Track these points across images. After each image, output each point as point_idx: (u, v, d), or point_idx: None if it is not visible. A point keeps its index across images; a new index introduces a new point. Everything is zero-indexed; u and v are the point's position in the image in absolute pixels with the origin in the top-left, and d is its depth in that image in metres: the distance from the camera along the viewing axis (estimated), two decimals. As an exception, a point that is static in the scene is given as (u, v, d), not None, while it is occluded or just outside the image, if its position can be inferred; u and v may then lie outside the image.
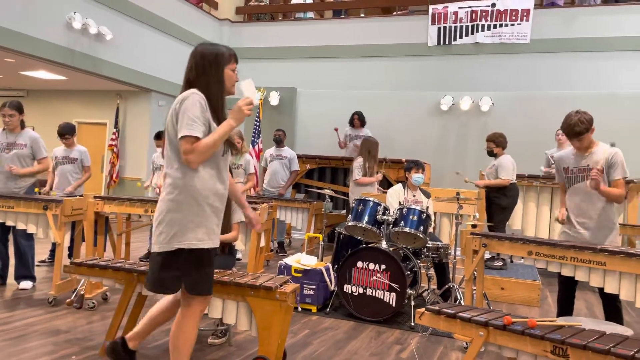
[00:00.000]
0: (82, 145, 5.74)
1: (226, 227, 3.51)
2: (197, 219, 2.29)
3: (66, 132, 5.50)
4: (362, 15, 11.41)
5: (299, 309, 4.34)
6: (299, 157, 7.62)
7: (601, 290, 3.33)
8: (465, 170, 8.40)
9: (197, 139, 2.24)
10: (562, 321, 2.46)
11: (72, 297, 4.17)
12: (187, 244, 2.27)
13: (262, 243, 4.54)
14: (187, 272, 2.32)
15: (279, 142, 7.18)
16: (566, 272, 3.27)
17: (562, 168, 3.70)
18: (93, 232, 4.45)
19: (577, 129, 3.43)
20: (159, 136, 6.38)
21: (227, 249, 3.59)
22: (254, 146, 8.53)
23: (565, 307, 3.69)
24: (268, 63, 10.45)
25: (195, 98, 2.27)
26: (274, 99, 9.45)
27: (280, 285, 2.82)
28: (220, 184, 2.39)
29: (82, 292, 4.13)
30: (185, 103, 2.26)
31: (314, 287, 4.32)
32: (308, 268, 4.34)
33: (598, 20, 8.61)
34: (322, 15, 12.23)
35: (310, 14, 11.07)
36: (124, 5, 8.48)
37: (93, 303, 4.13)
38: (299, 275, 4.34)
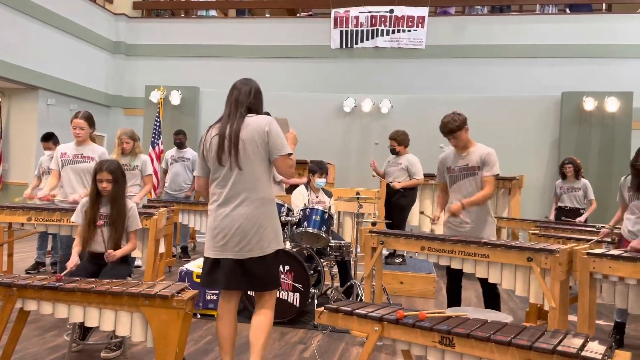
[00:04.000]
0: None
1: (121, 236, 3.33)
2: (280, 224, 2.83)
3: None
4: (267, 15, 11.40)
5: (198, 315, 4.23)
6: (203, 158, 7.43)
7: (481, 279, 3.60)
8: (369, 170, 8.66)
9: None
10: (450, 312, 2.61)
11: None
12: (281, 245, 2.78)
13: (162, 249, 4.37)
14: (278, 269, 2.82)
15: (180, 146, 6.96)
16: (455, 264, 3.49)
17: (445, 167, 3.94)
18: (-33, 244, 4.03)
19: (449, 126, 3.71)
20: (46, 138, 5.93)
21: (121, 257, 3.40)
22: (154, 147, 8.21)
23: (454, 297, 3.94)
24: (168, 61, 10.10)
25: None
26: (175, 98, 9.15)
27: (178, 293, 2.72)
28: None
29: (-46, 312, 3.72)
30: (275, 126, 2.71)
31: (217, 292, 4.23)
32: (210, 273, 4.24)
33: (485, 28, 9.29)
34: (226, 14, 12.05)
35: (213, 12, 10.86)
36: (4, -5, 7.78)
37: (-32, 322, 3.73)
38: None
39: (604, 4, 9.56)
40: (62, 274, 3.07)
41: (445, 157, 3.98)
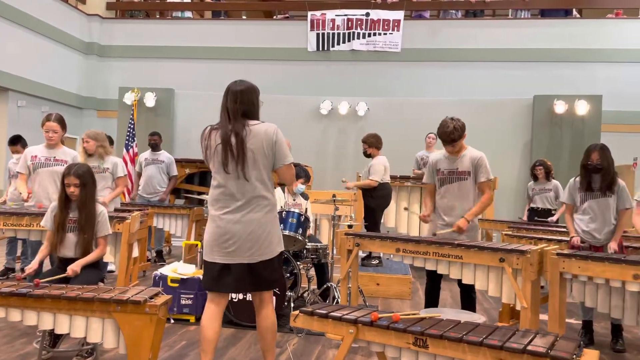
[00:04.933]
0: None
1: (90, 241, 3.27)
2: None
3: None
4: (244, 17, 11.35)
5: (172, 320, 4.17)
6: (178, 161, 7.35)
7: (460, 282, 3.64)
8: (345, 172, 8.69)
9: None
10: (424, 313, 2.64)
11: None
12: (283, 247, 2.89)
13: (135, 253, 4.31)
14: (282, 269, 2.93)
15: (154, 147, 6.87)
16: (430, 266, 3.52)
17: (436, 170, 3.93)
18: None
19: (452, 136, 3.71)
20: (14, 141, 5.80)
21: (91, 262, 3.33)
22: (128, 150, 8.10)
23: (432, 298, 3.97)
24: (143, 62, 9.96)
25: None
26: (150, 100, 9.04)
27: (151, 298, 2.68)
28: None
29: None
30: (281, 135, 2.80)
31: (192, 296, 4.19)
32: (185, 277, 4.20)
33: (459, 32, 9.42)
34: (202, 15, 11.96)
35: (188, 14, 10.76)
36: (-29, -6, 7.58)
37: None
38: (176, 285, 4.18)
39: (574, 10, 9.79)
40: (22, 275, 3.00)
41: (436, 159, 3.97)
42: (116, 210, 4.89)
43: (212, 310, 2.81)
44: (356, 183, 6.04)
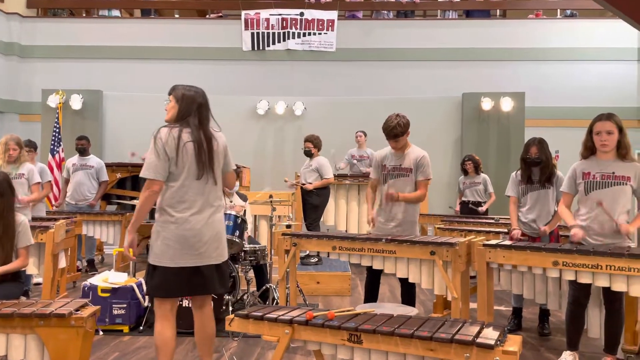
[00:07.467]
0: None
1: (9, 254, 3.08)
2: None
3: None
4: (177, 16, 11.07)
5: (100, 332, 3.99)
6: (109, 165, 7.06)
7: (401, 279, 3.72)
8: (284, 173, 8.68)
9: None
10: (359, 309, 2.68)
11: None
12: None
13: (62, 264, 4.10)
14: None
15: (83, 152, 6.57)
16: (365, 262, 3.59)
17: (381, 165, 3.99)
18: None
19: (395, 131, 3.78)
20: None
21: (10, 275, 3.14)
22: (53, 155, 7.70)
23: (372, 292, 4.02)
24: (68, 63, 9.49)
25: None
26: (76, 102, 8.61)
27: (76, 310, 2.57)
28: None
29: None
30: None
31: (125, 305, 4.04)
32: (117, 286, 4.04)
33: (391, 32, 9.63)
34: (132, 14, 11.55)
35: (116, 12, 10.36)
36: None
37: None
38: (107, 295, 4.01)
39: (498, 11, 10.26)
40: None
41: (382, 154, 4.03)
42: (40, 219, 4.64)
43: (167, 313, 2.82)
44: (316, 184, 6.06)
